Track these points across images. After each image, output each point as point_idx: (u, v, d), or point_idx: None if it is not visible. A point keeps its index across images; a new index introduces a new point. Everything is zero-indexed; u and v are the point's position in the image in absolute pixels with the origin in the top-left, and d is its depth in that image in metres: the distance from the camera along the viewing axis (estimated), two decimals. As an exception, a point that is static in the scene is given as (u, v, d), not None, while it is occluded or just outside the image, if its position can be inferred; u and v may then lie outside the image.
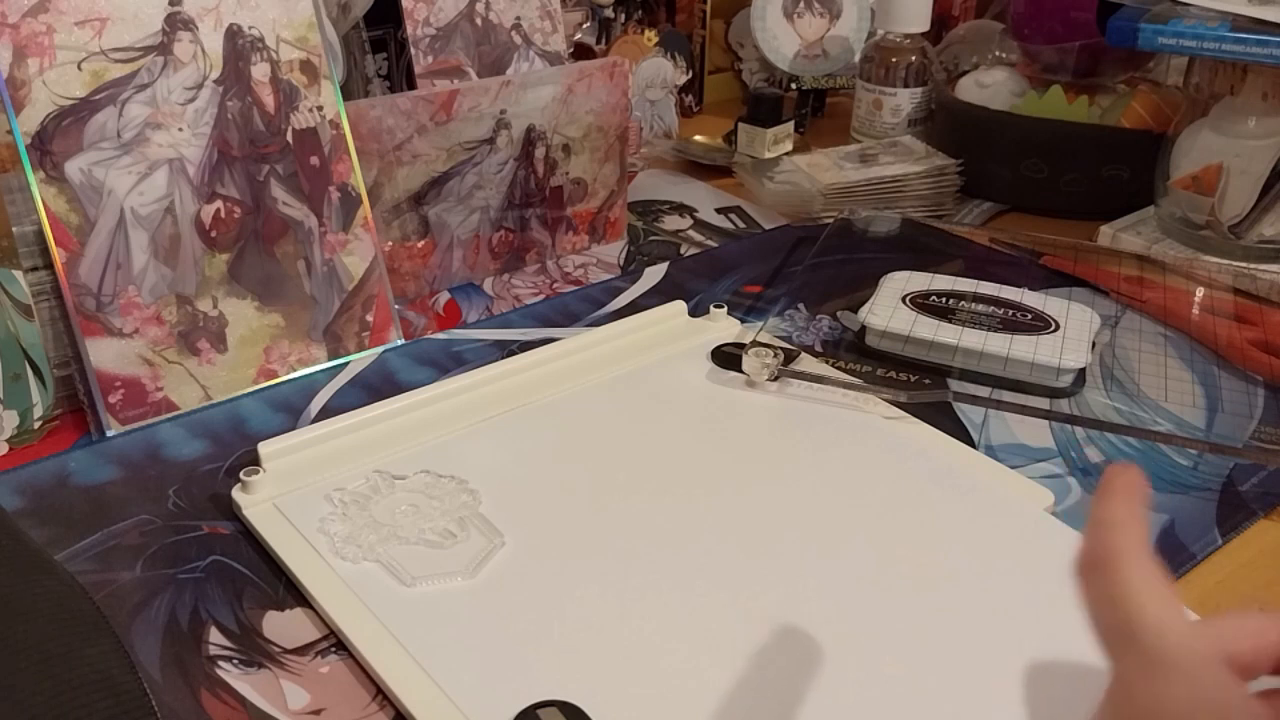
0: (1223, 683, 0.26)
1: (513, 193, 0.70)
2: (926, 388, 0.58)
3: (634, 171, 0.89)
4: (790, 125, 0.91)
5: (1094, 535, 0.28)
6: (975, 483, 0.49)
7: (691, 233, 0.79)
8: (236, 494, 0.48)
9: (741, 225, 0.81)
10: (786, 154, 0.89)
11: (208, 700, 0.39)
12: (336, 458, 0.50)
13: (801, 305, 0.67)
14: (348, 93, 0.68)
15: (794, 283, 0.70)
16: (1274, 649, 0.28)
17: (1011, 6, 0.87)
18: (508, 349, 0.62)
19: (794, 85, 1.02)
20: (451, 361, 0.61)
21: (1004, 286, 0.64)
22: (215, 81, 0.56)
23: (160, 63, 0.55)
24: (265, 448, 0.49)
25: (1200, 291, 0.70)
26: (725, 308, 0.64)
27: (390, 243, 0.66)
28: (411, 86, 0.75)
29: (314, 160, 0.59)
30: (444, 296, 0.69)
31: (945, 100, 0.88)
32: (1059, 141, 0.81)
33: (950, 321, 0.60)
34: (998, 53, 0.90)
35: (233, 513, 0.48)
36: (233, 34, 0.57)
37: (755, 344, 0.57)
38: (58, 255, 0.52)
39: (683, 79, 0.98)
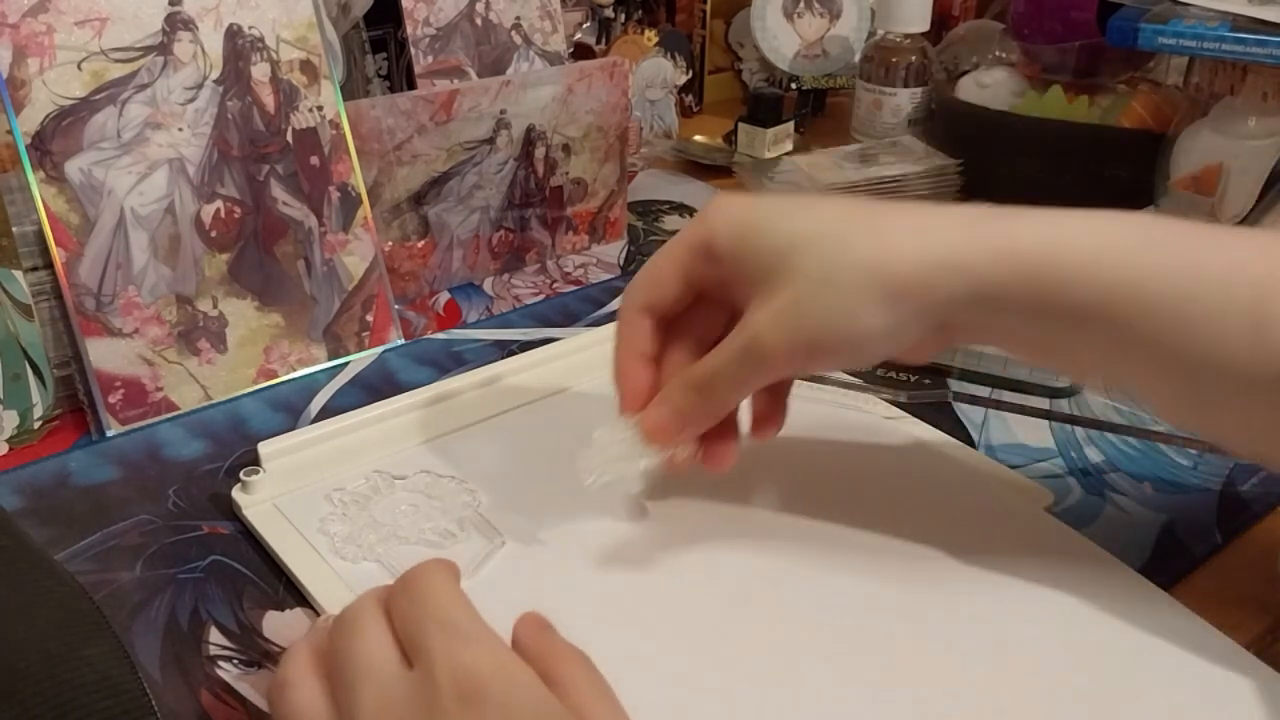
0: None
1: (513, 193, 0.70)
2: (926, 388, 0.58)
3: (634, 171, 0.89)
4: (790, 125, 0.91)
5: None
6: (975, 482, 0.49)
7: (691, 233, 0.79)
8: (236, 494, 0.48)
9: (741, 225, 0.81)
10: (786, 154, 0.89)
11: (208, 700, 0.39)
12: (336, 458, 0.50)
13: (801, 305, 0.67)
14: (348, 93, 0.68)
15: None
16: None
17: (1011, 6, 0.87)
18: (508, 349, 0.62)
19: (794, 85, 1.01)
20: (451, 361, 0.61)
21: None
22: (215, 81, 0.56)
23: (160, 63, 0.55)
24: (265, 448, 0.49)
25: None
26: (725, 308, 0.64)
27: (390, 243, 0.66)
28: (411, 86, 0.75)
29: (314, 160, 0.59)
30: (444, 296, 0.69)
31: (945, 100, 0.88)
32: (1059, 141, 0.80)
33: (950, 321, 0.60)
34: (998, 53, 0.89)
35: (233, 513, 0.48)
36: (233, 34, 0.57)
37: (755, 344, 0.57)
38: (58, 255, 0.52)
39: (683, 79, 0.98)
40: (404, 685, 0.31)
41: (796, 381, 0.56)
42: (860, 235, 0.38)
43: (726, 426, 0.43)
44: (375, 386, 0.59)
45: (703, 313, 0.43)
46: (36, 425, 0.54)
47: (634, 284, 0.43)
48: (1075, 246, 0.36)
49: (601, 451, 0.42)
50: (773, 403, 0.44)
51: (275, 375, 0.59)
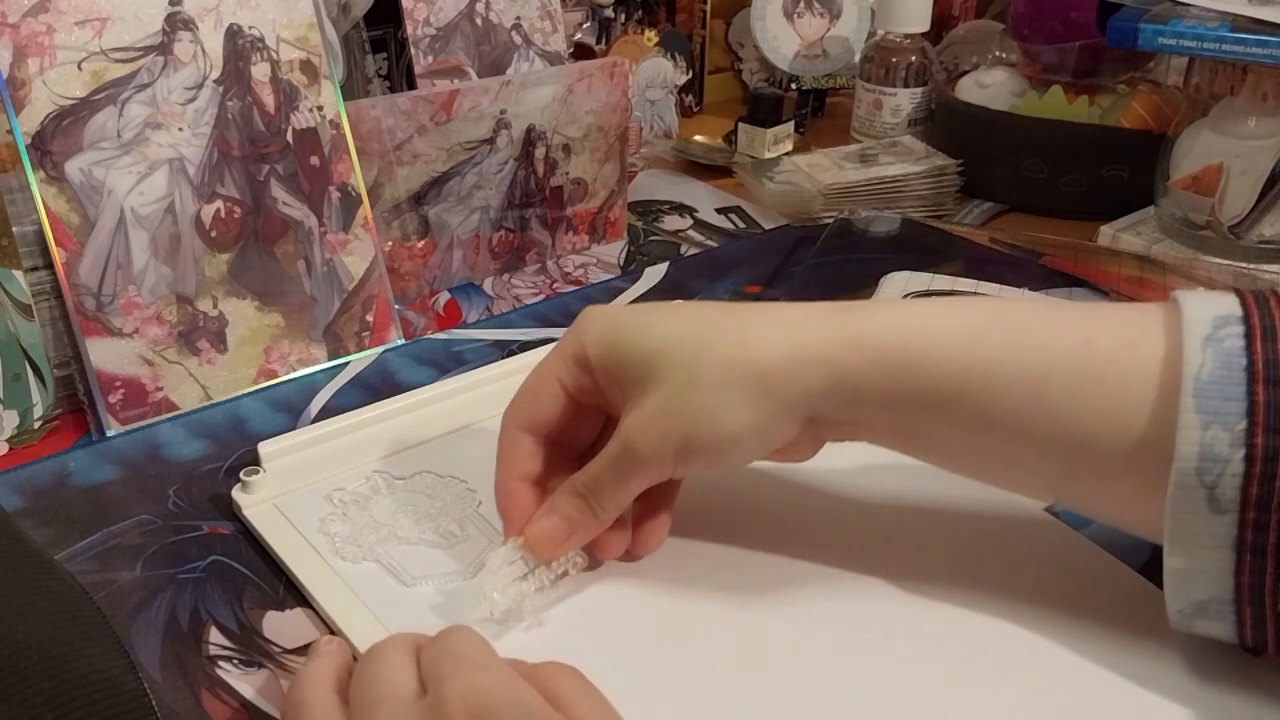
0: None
1: (513, 193, 0.70)
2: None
3: (634, 171, 0.89)
4: (790, 125, 0.91)
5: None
6: (975, 483, 0.49)
7: (691, 233, 0.79)
8: (236, 494, 0.48)
9: (741, 225, 0.81)
10: (786, 154, 0.89)
11: (208, 700, 0.39)
12: (336, 458, 0.50)
13: (801, 305, 0.67)
14: (348, 93, 0.68)
15: (794, 283, 0.70)
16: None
17: (1011, 6, 0.87)
18: (508, 349, 0.62)
19: (794, 85, 1.02)
20: (451, 361, 0.61)
21: (1004, 287, 0.64)
22: (215, 81, 0.56)
23: (160, 63, 0.55)
24: (265, 448, 0.49)
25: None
26: (725, 308, 0.64)
27: (390, 243, 0.66)
28: (411, 86, 0.75)
29: (314, 160, 0.59)
30: (444, 296, 0.69)
31: (945, 100, 0.88)
32: (1059, 141, 0.81)
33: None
34: (998, 53, 0.90)
35: (233, 513, 0.48)
36: (233, 34, 0.57)
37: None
38: (58, 255, 0.52)
39: (683, 79, 0.98)
40: (417, 710, 0.31)
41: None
42: (722, 335, 0.39)
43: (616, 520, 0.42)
44: (375, 386, 0.59)
45: (585, 425, 0.44)
46: (36, 425, 0.54)
47: (513, 403, 0.43)
48: (925, 332, 0.38)
49: (494, 575, 0.40)
50: (653, 510, 0.43)
51: (275, 375, 0.59)
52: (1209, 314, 0.35)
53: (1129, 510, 0.38)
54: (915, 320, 0.38)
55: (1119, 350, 0.36)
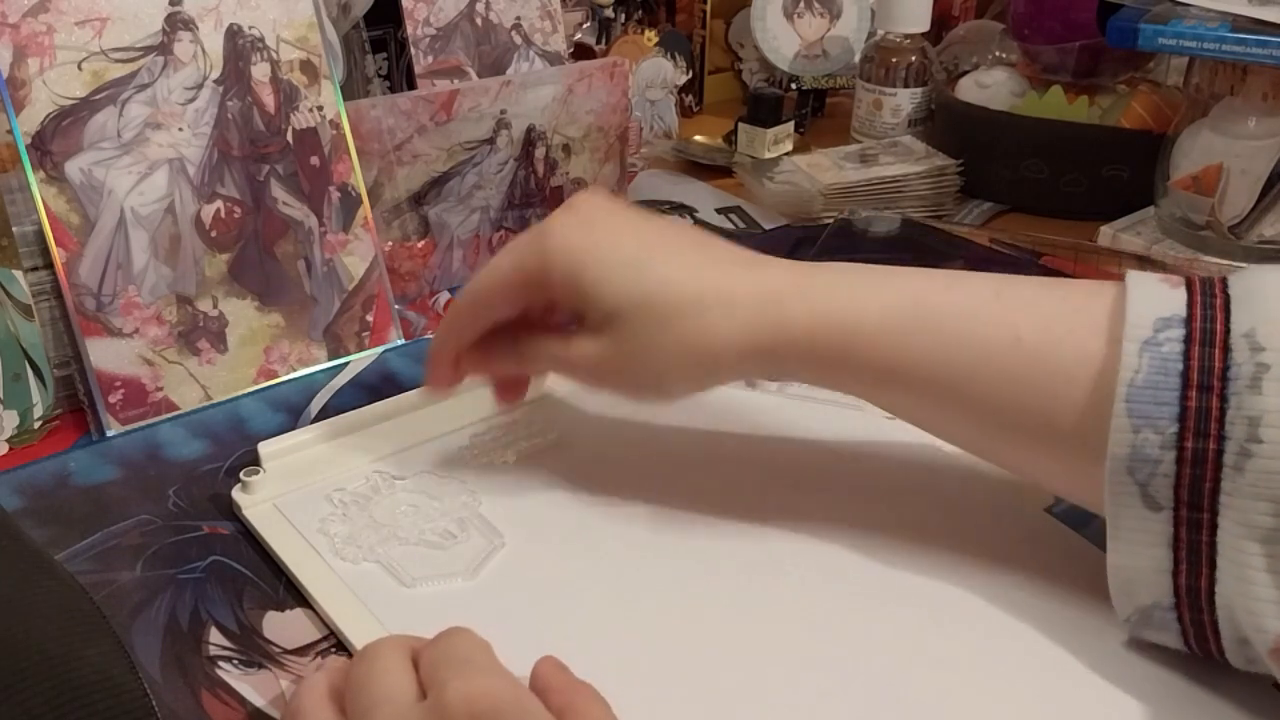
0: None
1: (513, 193, 0.70)
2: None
3: (634, 171, 0.89)
4: (790, 125, 0.91)
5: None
6: (974, 482, 0.49)
7: (691, 233, 0.79)
8: (236, 494, 0.48)
9: (741, 225, 0.81)
10: (786, 154, 0.89)
11: (208, 700, 0.39)
12: (336, 458, 0.50)
13: (801, 305, 0.67)
14: (348, 93, 0.68)
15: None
16: None
17: (1011, 6, 0.87)
18: (508, 349, 0.62)
19: (794, 85, 1.01)
20: (451, 361, 0.61)
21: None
22: (215, 81, 0.56)
23: (160, 63, 0.55)
24: (265, 448, 0.49)
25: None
26: (725, 308, 0.64)
27: (390, 243, 0.66)
28: (411, 86, 0.75)
29: (314, 160, 0.59)
30: (444, 296, 0.69)
31: (945, 100, 0.88)
32: (1059, 141, 0.80)
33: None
34: (998, 53, 0.89)
35: (233, 513, 0.48)
36: (233, 34, 0.57)
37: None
38: (58, 255, 0.52)
39: (683, 79, 0.98)
40: (417, 712, 0.31)
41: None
42: (679, 316, 0.42)
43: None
44: (375, 386, 0.59)
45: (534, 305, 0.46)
46: (36, 425, 0.54)
47: (469, 300, 0.46)
48: (857, 325, 0.40)
49: (480, 438, 0.52)
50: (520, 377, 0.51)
51: (275, 375, 0.59)
52: (1152, 314, 0.35)
53: (1060, 481, 0.41)
54: (844, 312, 0.41)
55: (1045, 347, 0.38)
